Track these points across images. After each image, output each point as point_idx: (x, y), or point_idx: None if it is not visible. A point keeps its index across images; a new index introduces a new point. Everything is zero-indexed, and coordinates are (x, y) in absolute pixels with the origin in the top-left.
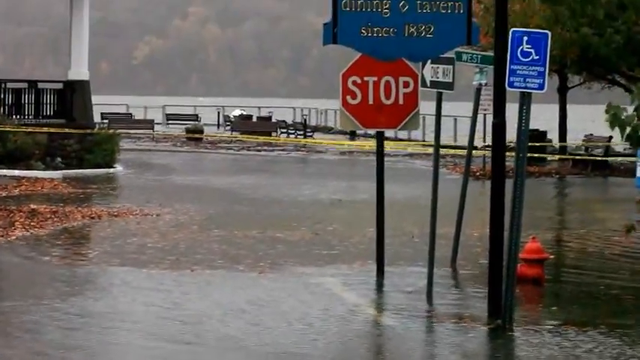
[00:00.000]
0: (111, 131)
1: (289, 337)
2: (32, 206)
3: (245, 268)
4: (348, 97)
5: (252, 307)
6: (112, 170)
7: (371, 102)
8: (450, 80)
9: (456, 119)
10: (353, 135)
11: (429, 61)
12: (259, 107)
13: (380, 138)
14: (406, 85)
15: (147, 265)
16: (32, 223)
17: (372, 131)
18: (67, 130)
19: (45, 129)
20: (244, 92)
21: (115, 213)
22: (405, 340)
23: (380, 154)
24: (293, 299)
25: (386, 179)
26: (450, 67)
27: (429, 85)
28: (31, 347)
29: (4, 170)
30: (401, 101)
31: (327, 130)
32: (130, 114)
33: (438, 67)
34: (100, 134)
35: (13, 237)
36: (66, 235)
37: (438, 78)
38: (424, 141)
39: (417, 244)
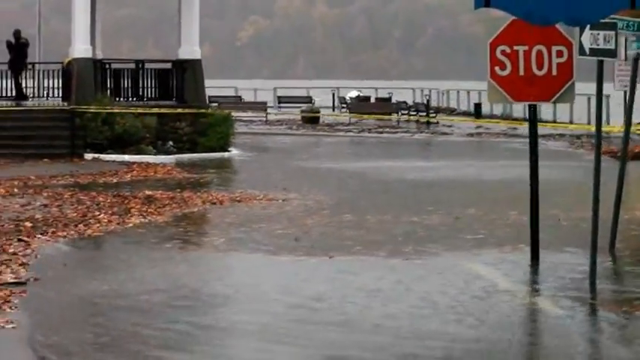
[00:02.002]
0: (225, 112)
1: (440, 323)
2: (147, 192)
3: (387, 254)
4: (497, 68)
5: (397, 293)
6: (227, 154)
7: (521, 73)
8: (613, 47)
9: (589, 98)
10: (478, 115)
11: (588, 27)
12: (376, 88)
13: (532, 112)
14: (560, 54)
15: (279, 252)
16: (149, 210)
17: (497, 111)
18: (178, 112)
19: (155, 110)
20: (354, 74)
21: (238, 198)
22: (567, 327)
23: (533, 130)
24: (443, 285)
25: (520, 161)
26: (612, 32)
27: (588, 52)
28: (165, 327)
29: (113, 155)
30: (554, 72)
31: (450, 111)
32: (240, 97)
33: (598, 34)
34: (214, 116)
35: (130, 224)
36: (187, 221)
37: (598, 45)
38: (555, 121)
39: (565, 227)
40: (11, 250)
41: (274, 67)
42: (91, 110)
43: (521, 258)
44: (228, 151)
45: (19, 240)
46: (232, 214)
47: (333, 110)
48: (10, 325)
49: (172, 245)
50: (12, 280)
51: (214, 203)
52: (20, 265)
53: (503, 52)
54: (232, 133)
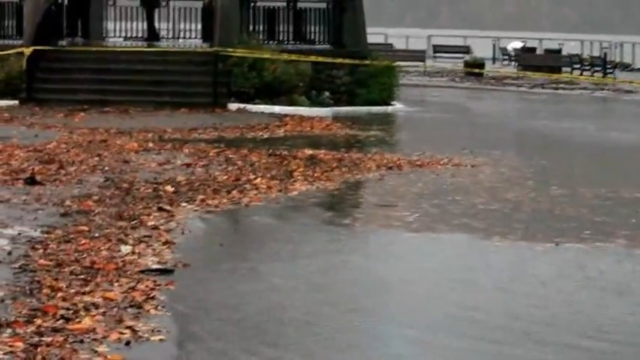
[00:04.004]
0: (388, 61)
1: None
2: (308, 152)
3: (627, 241)
4: None
5: None
6: (390, 108)
7: None
8: None
9: None
10: None
11: None
12: (540, 39)
13: None
14: None
15: (489, 234)
16: (315, 174)
17: None
18: (339, 61)
19: (312, 58)
20: (502, 24)
21: (418, 162)
22: None
23: None
24: None
25: None
26: None
27: None
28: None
29: (262, 106)
30: None
31: (624, 66)
32: (391, 44)
33: None
34: (375, 65)
35: (295, 192)
36: (364, 190)
37: None
38: None
39: None
40: (151, 223)
41: (417, 15)
42: (237, 54)
43: None
44: (391, 104)
45: (160, 209)
46: (417, 183)
47: (494, 62)
48: (157, 337)
49: (351, 220)
50: (155, 267)
51: (391, 168)
52: (164, 244)
53: None
54: (396, 84)
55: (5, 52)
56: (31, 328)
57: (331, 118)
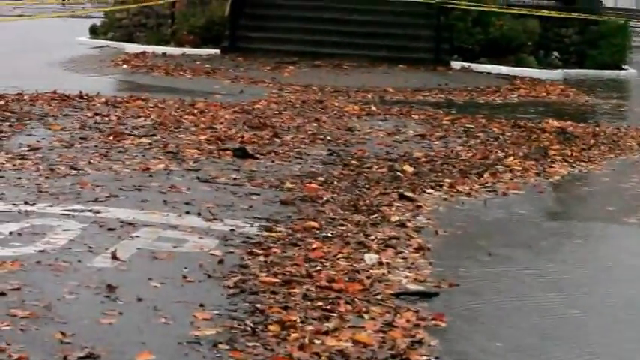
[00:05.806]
0: (620, 21)
1: None
2: (554, 123)
3: None
4: None
5: None
6: (622, 73)
7: None
8: None
9: None
10: None
11: None
12: None
13: None
14: None
15: None
16: (573, 153)
17: None
18: (573, 16)
19: (544, 12)
20: None
21: None
22: None
23: None
24: None
25: None
26: None
27: None
28: None
29: (487, 65)
30: None
31: None
32: (600, 1)
33: None
34: (607, 24)
35: (556, 177)
36: (637, 175)
37: None
38: None
39: None
40: (395, 218)
41: None
42: (461, 6)
43: None
44: (623, 68)
45: (402, 197)
46: None
47: None
48: None
49: (638, 220)
50: (414, 288)
51: None
52: (416, 250)
53: None
54: (629, 46)
55: None
56: None
57: (562, 82)
